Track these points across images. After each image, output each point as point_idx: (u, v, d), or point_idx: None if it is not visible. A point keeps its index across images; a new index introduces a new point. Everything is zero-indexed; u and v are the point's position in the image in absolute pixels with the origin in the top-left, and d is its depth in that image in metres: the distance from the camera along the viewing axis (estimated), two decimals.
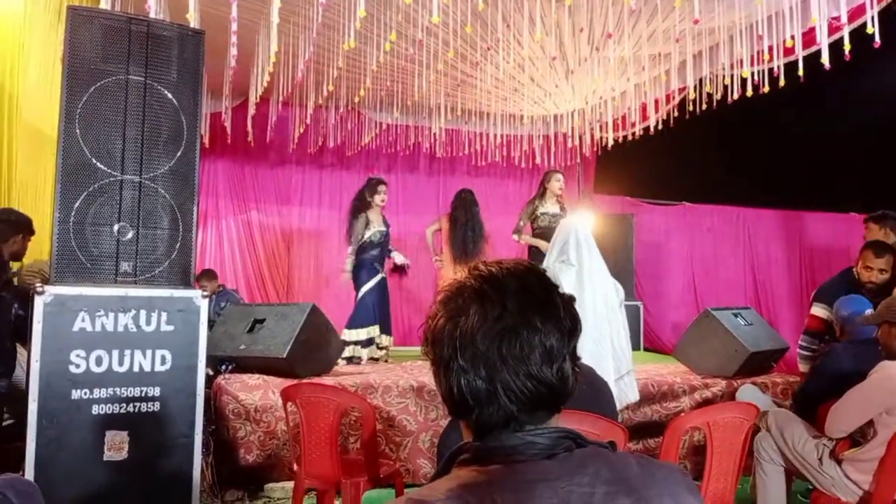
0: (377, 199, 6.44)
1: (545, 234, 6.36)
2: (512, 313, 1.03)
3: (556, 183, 6.68)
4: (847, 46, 4.51)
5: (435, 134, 8.23)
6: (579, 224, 4.91)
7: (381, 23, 5.29)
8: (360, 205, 6.49)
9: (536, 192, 6.96)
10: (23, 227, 4.38)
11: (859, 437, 3.35)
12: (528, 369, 1.01)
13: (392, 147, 8.70)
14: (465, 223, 6.82)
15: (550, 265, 4.13)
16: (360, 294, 6.35)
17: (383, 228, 6.50)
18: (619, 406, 3.89)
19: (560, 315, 1.05)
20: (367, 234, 6.38)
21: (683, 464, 4.77)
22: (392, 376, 4.97)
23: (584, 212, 8.26)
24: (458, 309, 1.06)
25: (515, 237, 6.82)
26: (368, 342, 6.28)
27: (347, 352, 6.02)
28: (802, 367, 4.77)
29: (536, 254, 6.45)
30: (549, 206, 6.66)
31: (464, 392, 1.03)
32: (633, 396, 4.46)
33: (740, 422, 3.12)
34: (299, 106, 7.54)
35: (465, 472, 1.01)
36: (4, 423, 4.02)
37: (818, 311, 4.71)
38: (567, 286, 3.80)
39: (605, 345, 4.02)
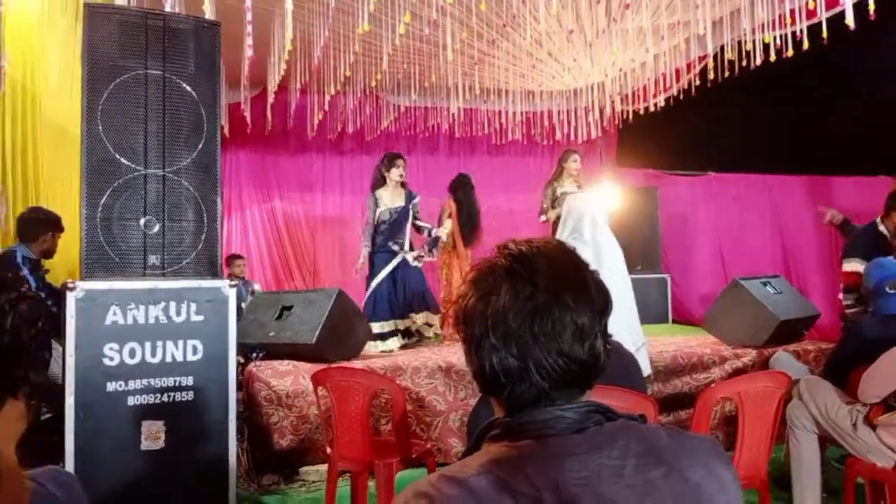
0: (394, 173, 6.01)
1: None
2: (543, 291, 1.03)
3: (573, 163, 6.58)
4: (871, 6, 4.42)
5: (453, 114, 8.20)
6: (593, 201, 4.88)
7: (395, 4, 5.27)
8: (375, 183, 6.15)
9: (554, 173, 6.87)
10: (52, 224, 4.45)
11: (893, 402, 3.31)
12: (560, 347, 1.02)
13: (411, 129, 8.69)
14: (469, 206, 6.75)
15: (563, 241, 4.12)
16: (371, 287, 5.92)
17: (397, 205, 6.04)
18: None
19: (591, 293, 1.06)
20: (378, 213, 6.00)
21: (715, 434, 4.75)
22: (420, 357, 5.00)
23: (602, 188, 8.18)
24: (490, 288, 1.06)
25: (543, 218, 6.74)
26: (392, 334, 5.86)
27: (374, 346, 5.67)
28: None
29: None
30: (567, 186, 6.59)
31: (496, 370, 1.04)
32: (648, 369, 4.48)
33: (772, 391, 3.10)
34: (317, 92, 7.54)
35: (496, 447, 1.02)
36: (42, 418, 4.11)
37: (853, 265, 4.65)
38: None
39: (622, 320, 4.02)
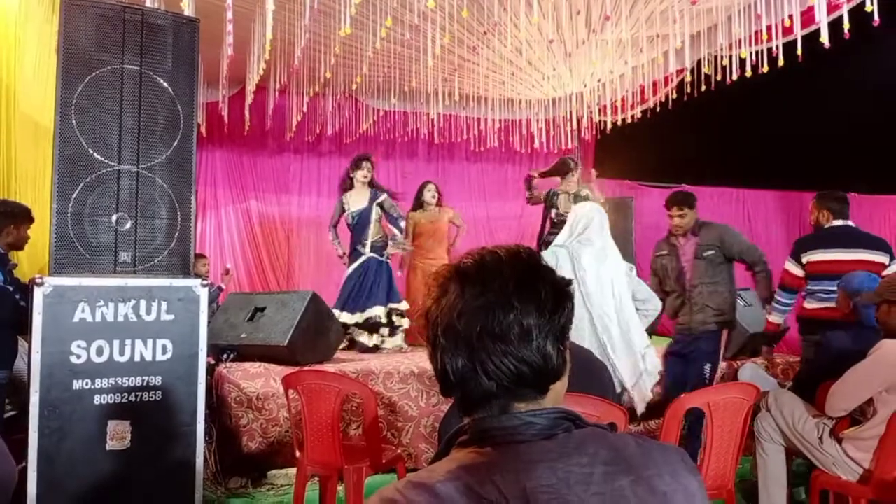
0: (358, 175, 6.27)
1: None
2: (491, 292, 1.03)
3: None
4: (846, 25, 4.49)
5: (433, 120, 8.20)
6: (598, 207, 4.87)
7: (377, 8, 5.26)
8: (343, 185, 6.44)
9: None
10: (18, 216, 4.29)
11: (859, 416, 3.36)
12: (506, 348, 1.01)
13: (390, 133, 8.68)
14: None
15: (569, 244, 4.07)
16: (342, 283, 6.32)
17: (360, 207, 6.26)
18: (654, 377, 4.02)
19: (540, 295, 1.05)
20: (345, 217, 6.32)
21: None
22: (392, 362, 4.99)
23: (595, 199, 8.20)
24: (443, 289, 1.07)
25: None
26: (366, 326, 6.09)
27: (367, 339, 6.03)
28: (777, 319, 4.80)
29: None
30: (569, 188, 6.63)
31: (447, 370, 1.04)
32: (658, 366, 4.33)
33: (740, 402, 3.13)
34: (296, 94, 7.51)
35: (464, 453, 1.02)
36: (7, 415, 4.02)
37: (819, 255, 4.71)
38: (589, 266, 3.88)
39: (634, 320, 3.98)
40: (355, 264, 6.25)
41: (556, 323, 1.05)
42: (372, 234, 6.27)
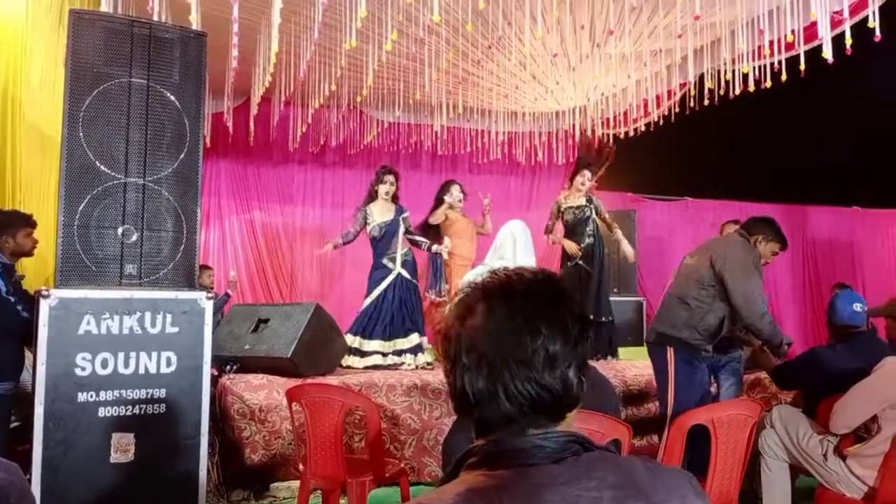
0: (382, 189, 5.99)
1: (572, 228, 6.50)
2: (518, 316, 1.03)
3: (579, 178, 6.58)
4: (848, 41, 4.51)
5: (437, 132, 8.23)
6: (516, 223, 4.94)
7: (383, 22, 5.29)
8: (367, 198, 6.11)
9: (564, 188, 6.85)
10: (13, 223, 4.16)
11: (863, 433, 3.35)
12: (530, 374, 1.02)
13: (394, 145, 8.70)
14: None
15: (489, 263, 4.15)
16: (364, 305, 5.91)
17: (385, 218, 5.97)
18: None
19: (567, 322, 1.05)
20: (368, 229, 5.98)
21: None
22: (396, 375, 4.98)
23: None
24: (468, 308, 1.07)
25: (546, 237, 6.72)
26: (375, 353, 5.73)
27: (354, 360, 5.64)
28: None
29: (567, 255, 6.49)
30: (573, 200, 6.60)
31: (466, 390, 1.04)
32: None
33: (744, 418, 3.13)
34: (301, 105, 7.54)
35: (474, 476, 1.02)
36: (11, 426, 4.02)
37: None
38: None
39: None
40: (385, 283, 5.89)
41: (580, 351, 1.06)
42: (400, 247, 5.99)
